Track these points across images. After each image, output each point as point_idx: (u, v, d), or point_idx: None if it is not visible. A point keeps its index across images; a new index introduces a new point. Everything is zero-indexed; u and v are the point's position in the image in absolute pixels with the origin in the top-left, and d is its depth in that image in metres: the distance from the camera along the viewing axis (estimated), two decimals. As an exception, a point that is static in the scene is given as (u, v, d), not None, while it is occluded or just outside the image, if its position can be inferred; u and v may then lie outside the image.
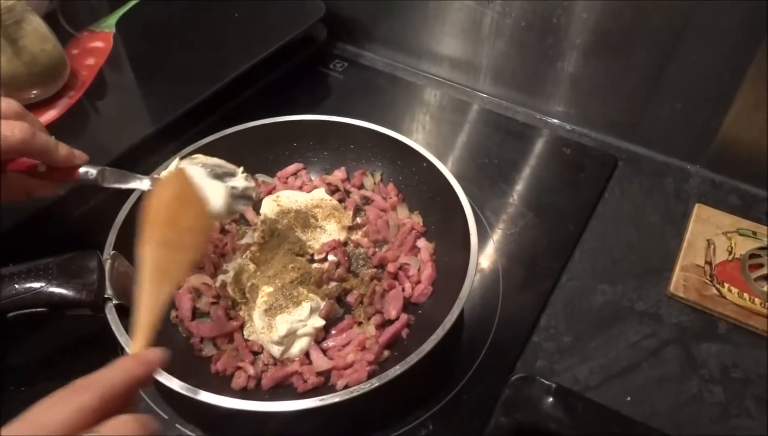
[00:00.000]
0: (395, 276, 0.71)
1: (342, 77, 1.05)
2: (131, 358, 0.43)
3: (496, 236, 0.79)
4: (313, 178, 0.84)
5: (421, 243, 0.74)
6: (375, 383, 0.54)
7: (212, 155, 0.76)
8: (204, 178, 0.61)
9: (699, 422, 0.62)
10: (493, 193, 0.85)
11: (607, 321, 0.70)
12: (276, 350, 0.63)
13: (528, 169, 0.90)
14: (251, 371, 0.62)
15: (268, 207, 0.78)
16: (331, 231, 0.75)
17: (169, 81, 0.90)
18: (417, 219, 0.77)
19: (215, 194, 0.60)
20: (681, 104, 0.85)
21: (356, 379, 0.59)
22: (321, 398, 0.53)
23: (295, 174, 0.84)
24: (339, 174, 0.83)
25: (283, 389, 0.62)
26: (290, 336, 0.63)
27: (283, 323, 0.63)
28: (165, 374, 0.54)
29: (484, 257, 0.76)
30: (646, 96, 0.88)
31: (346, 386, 0.58)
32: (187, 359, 0.64)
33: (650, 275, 0.75)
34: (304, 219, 0.75)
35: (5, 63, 0.77)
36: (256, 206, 0.79)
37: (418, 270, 0.72)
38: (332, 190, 0.81)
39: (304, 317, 0.64)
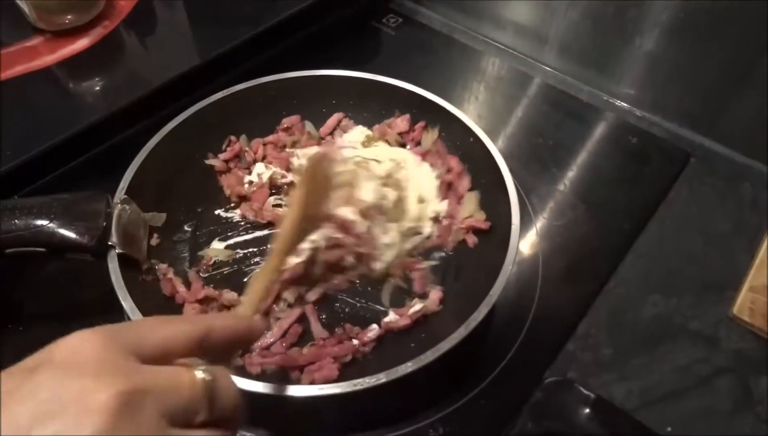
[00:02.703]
0: None
1: (394, 34, 0.97)
2: (239, 316, 0.42)
3: (540, 225, 0.72)
4: (363, 128, 0.76)
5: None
6: (382, 378, 0.48)
7: (245, 104, 0.72)
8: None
9: (747, 465, 0.54)
10: (542, 177, 0.77)
11: (654, 337, 0.62)
12: None
13: (585, 156, 0.81)
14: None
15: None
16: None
17: (209, 21, 0.85)
18: (479, 217, 0.66)
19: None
20: (772, 100, 0.74)
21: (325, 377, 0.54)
22: (320, 387, 0.48)
23: (337, 125, 0.76)
24: (401, 123, 0.74)
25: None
26: None
27: None
28: None
29: (524, 247, 0.69)
30: (731, 87, 0.78)
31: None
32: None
33: (711, 292, 0.66)
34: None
35: (37, -16, 0.73)
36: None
37: None
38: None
39: None
